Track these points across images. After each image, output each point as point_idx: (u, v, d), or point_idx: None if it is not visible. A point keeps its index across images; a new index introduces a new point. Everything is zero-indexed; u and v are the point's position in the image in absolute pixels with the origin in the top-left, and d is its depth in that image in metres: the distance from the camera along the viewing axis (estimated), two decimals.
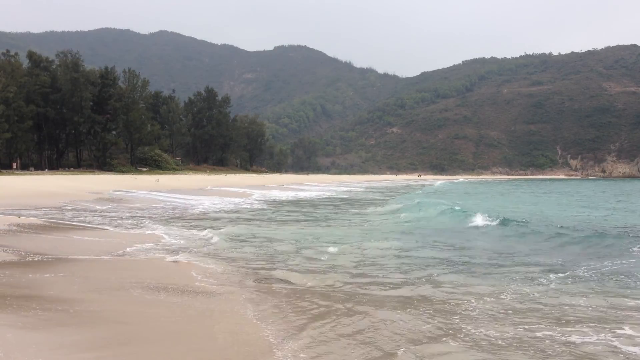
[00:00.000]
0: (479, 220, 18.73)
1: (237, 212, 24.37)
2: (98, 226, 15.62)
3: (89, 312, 6.36)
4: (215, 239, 13.61)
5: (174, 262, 10.37)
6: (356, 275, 9.58)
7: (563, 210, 28.72)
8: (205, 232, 14.84)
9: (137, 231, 15.04)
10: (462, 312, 7.18)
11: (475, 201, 36.98)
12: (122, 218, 18.62)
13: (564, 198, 43.02)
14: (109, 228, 15.36)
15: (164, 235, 14.14)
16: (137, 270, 9.29)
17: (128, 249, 11.48)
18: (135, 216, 19.68)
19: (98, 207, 22.62)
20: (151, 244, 12.40)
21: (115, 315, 6.33)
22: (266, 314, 6.78)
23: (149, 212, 21.88)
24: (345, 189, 61.41)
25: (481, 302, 7.79)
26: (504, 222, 18.00)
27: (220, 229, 15.93)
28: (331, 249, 12.37)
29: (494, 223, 18.07)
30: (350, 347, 5.68)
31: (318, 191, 52.32)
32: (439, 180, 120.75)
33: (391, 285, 8.83)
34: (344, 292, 8.16)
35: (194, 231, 15.18)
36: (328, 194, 46.61)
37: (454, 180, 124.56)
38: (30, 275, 8.19)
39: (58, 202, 23.67)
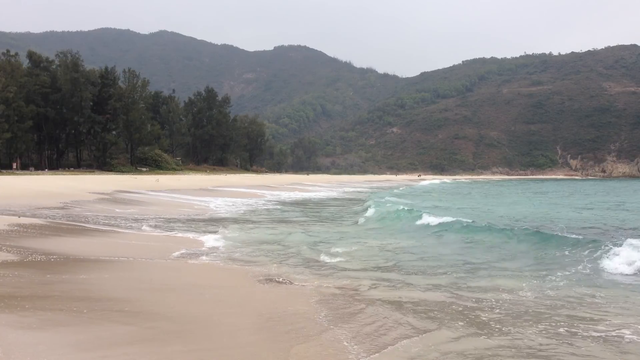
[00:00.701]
0: (429, 219, 18.50)
1: (256, 212, 25.02)
2: (126, 230, 15.48)
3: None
4: (253, 242, 14.11)
5: (226, 265, 10.55)
6: (380, 278, 9.80)
7: (531, 209, 28.97)
8: (240, 234, 15.42)
9: (170, 234, 15.18)
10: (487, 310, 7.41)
11: (449, 202, 37.40)
12: (146, 220, 18.68)
13: (541, 198, 42.35)
14: (137, 231, 15.33)
15: (201, 239, 14.17)
16: (197, 273, 9.61)
17: (176, 253, 11.59)
18: (159, 218, 19.71)
19: (118, 210, 22.34)
20: (198, 249, 12.47)
21: (192, 315, 6.59)
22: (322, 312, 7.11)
23: (172, 214, 21.83)
24: (351, 189, 61.53)
25: (495, 301, 7.92)
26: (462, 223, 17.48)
27: (251, 231, 16.52)
28: (354, 248, 13.39)
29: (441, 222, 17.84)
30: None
31: (327, 191, 53.31)
32: (436, 180, 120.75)
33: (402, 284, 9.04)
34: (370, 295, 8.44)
35: (230, 234, 15.44)
36: (334, 194, 47.79)
37: (446, 180, 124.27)
38: (106, 275, 8.51)
39: (63, 202, 23.62)
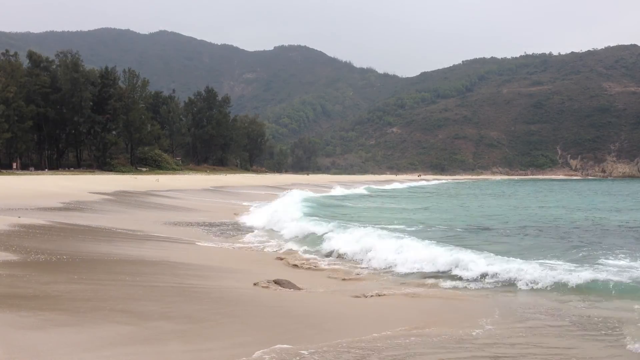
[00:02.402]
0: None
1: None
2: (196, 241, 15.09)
3: None
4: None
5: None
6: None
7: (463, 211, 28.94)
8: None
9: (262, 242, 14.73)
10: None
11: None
12: (213, 225, 18.45)
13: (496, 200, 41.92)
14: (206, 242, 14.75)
15: (296, 249, 13.74)
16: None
17: (366, 271, 11.09)
18: (211, 224, 19.12)
19: (184, 217, 20.90)
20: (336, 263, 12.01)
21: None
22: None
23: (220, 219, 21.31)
24: (367, 191, 61.40)
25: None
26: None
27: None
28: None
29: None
30: None
31: (348, 190, 53.65)
32: (435, 181, 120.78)
33: None
34: None
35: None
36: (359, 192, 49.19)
37: (431, 181, 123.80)
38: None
39: (67, 202, 23.56)
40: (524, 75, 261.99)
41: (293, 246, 14.32)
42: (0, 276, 7.81)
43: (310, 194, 38.24)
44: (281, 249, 13.99)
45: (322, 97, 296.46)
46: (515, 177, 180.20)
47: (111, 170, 73.64)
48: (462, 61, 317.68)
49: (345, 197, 43.08)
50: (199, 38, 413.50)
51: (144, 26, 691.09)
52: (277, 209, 21.91)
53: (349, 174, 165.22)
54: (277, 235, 16.70)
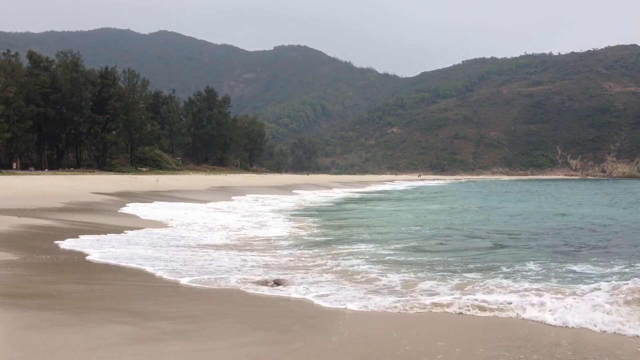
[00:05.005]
0: None
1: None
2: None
3: None
4: None
5: None
6: None
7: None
8: None
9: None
10: None
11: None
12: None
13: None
14: None
15: None
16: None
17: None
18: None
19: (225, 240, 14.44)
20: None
21: None
22: None
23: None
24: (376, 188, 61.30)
25: None
26: None
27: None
28: None
29: None
30: None
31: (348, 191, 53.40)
32: (435, 181, 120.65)
33: None
34: None
35: None
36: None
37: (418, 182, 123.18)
38: None
39: (70, 202, 23.53)
40: (524, 75, 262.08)
41: None
42: (1, 276, 7.85)
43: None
44: None
45: (322, 97, 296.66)
46: (515, 177, 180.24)
47: (111, 171, 73.53)
48: (462, 61, 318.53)
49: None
50: (199, 38, 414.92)
51: (144, 26, 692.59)
52: None
53: (348, 173, 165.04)
54: None
